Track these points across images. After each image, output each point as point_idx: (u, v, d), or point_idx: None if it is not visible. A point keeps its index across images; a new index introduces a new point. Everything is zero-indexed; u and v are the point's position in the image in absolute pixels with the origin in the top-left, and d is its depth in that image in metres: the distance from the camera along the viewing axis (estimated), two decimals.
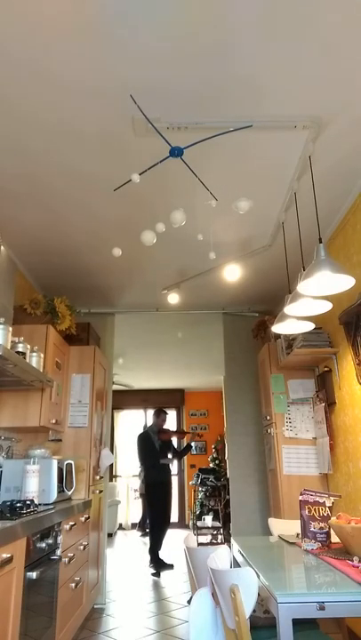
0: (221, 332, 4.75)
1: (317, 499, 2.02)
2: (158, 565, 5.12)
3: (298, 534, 2.24)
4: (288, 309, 2.42)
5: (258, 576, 1.54)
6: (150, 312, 4.71)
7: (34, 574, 2.00)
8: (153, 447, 5.48)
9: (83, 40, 1.76)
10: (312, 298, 2.29)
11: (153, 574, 4.96)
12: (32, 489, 2.72)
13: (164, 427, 5.72)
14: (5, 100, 2.03)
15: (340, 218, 3.01)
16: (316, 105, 2.11)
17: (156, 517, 5.33)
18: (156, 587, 4.48)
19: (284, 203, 2.86)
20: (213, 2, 1.63)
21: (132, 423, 9.26)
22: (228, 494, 4.78)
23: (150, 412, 8.98)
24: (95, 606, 3.82)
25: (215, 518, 6.79)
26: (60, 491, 2.95)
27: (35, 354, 2.93)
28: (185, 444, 5.90)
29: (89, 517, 3.33)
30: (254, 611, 1.78)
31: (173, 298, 4.20)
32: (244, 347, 4.65)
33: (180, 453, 5.80)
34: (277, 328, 2.69)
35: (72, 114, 2.13)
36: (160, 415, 5.73)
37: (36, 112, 2.11)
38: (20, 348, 2.77)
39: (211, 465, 7.69)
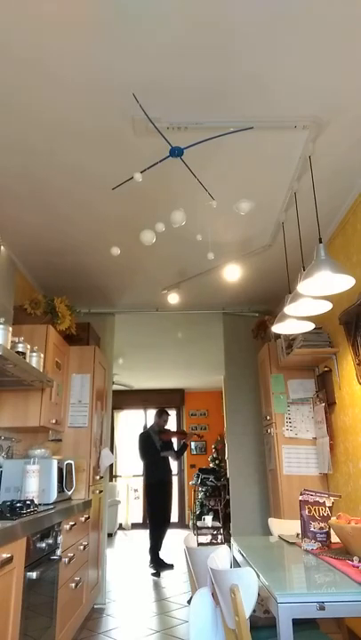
0: (221, 332, 4.74)
1: (317, 499, 2.02)
2: (158, 565, 5.12)
3: (298, 534, 2.24)
4: (288, 309, 2.42)
5: (258, 576, 1.54)
6: (150, 312, 4.71)
7: (34, 574, 2.00)
8: (154, 447, 5.48)
9: (83, 39, 1.75)
10: (312, 298, 2.29)
11: (153, 574, 4.96)
12: (32, 489, 2.72)
13: (165, 427, 5.73)
14: (6, 98, 2.03)
15: (341, 218, 3.01)
16: (316, 105, 2.11)
17: (157, 517, 5.33)
18: (156, 587, 4.48)
19: (284, 203, 2.86)
20: (214, 1, 1.63)
21: (132, 423, 9.26)
22: (228, 494, 4.78)
23: (150, 412, 9.00)
24: (95, 606, 3.82)
25: (215, 518, 6.79)
26: (60, 491, 2.95)
27: (35, 354, 2.93)
28: (182, 444, 5.90)
29: (89, 517, 3.33)
30: (254, 611, 1.78)
31: (173, 298, 4.20)
32: (244, 347, 4.64)
33: (177, 453, 5.80)
34: (277, 328, 2.69)
35: (72, 112, 2.13)
36: (162, 416, 5.73)
37: (36, 110, 2.11)
38: (20, 348, 2.77)
39: (211, 465, 7.68)
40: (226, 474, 6.42)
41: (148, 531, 5.43)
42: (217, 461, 7.62)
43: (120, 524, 8.56)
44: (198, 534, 6.52)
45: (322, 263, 1.97)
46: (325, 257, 1.99)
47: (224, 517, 6.54)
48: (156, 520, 5.33)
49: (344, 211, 2.94)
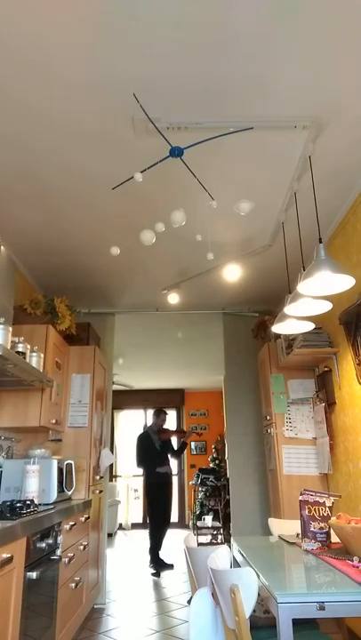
0: (221, 332, 4.74)
1: (317, 499, 2.02)
2: (158, 565, 5.12)
3: (298, 534, 2.24)
4: (288, 309, 2.42)
5: (258, 576, 1.54)
6: (150, 312, 4.71)
7: (34, 574, 2.00)
8: (153, 447, 5.48)
9: (84, 39, 1.76)
10: (312, 298, 2.29)
11: (153, 574, 4.96)
12: (32, 489, 2.72)
13: (164, 426, 5.72)
14: (8, 98, 2.03)
15: (341, 217, 3.01)
16: (316, 105, 2.11)
17: (157, 517, 5.33)
18: (156, 587, 4.48)
19: (284, 203, 2.86)
20: (214, 1, 1.63)
21: (132, 423, 9.26)
22: (228, 494, 4.78)
23: (150, 412, 8.99)
24: (95, 606, 3.82)
25: (215, 518, 6.79)
26: (60, 491, 2.95)
27: (35, 354, 2.93)
28: (181, 443, 5.90)
29: (89, 517, 3.33)
30: (254, 611, 1.78)
31: (173, 298, 4.20)
32: (244, 347, 4.64)
33: (176, 453, 5.80)
34: (277, 328, 2.69)
35: (73, 112, 2.13)
36: (160, 415, 5.72)
37: (37, 110, 2.11)
38: (20, 348, 2.77)
39: (211, 465, 7.69)
40: (226, 474, 6.42)
41: (148, 531, 5.44)
42: (217, 461, 7.62)
43: (120, 524, 8.56)
44: (198, 534, 6.52)
45: (322, 263, 1.97)
46: (325, 257, 1.99)
47: (224, 517, 6.54)
48: (156, 520, 5.32)
49: (344, 210, 2.94)
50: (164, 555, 5.31)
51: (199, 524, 6.74)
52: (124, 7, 1.64)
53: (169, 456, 5.61)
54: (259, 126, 2.19)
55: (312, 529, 1.98)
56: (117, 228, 3.15)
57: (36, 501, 2.65)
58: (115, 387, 6.75)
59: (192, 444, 9.15)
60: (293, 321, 2.64)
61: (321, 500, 2.02)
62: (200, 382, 8.75)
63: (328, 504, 2.01)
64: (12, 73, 1.89)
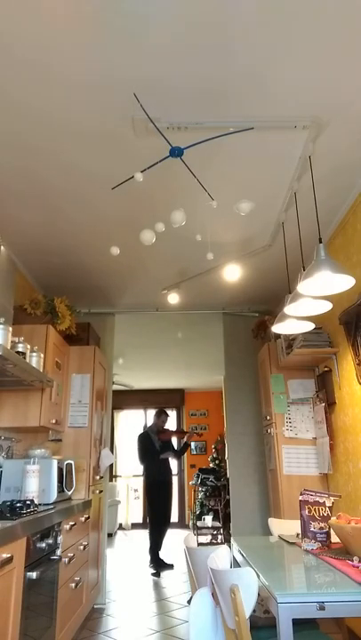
0: (221, 332, 4.74)
1: (317, 499, 2.02)
2: (158, 565, 5.12)
3: (298, 534, 2.24)
4: (288, 309, 2.42)
5: (258, 576, 1.54)
6: (150, 312, 4.71)
7: (34, 574, 2.00)
8: (153, 447, 5.48)
9: (84, 39, 1.76)
10: (312, 298, 2.29)
11: (153, 574, 4.96)
12: (32, 489, 2.72)
13: (164, 427, 5.73)
14: (7, 97, 2.03)
15: (341, 217, 3.01)
16: (316, 105, 2.11)
17: (157, 517, 5.33)
18: (156, 587, 4.48)
19: (284, 203, 2.86)
20: (214, 1, 1.63)
21: (132, 423, 9.26)
22: (228, 494, 4.78)
23: (150, 412, 9.00)
24: (95, 606, 3.82)
25: (215, 518, 6.79)
26: (60, 491, 2.95)
27: (35, 354, 2.93)
28: (183, 443, 5.91)
29: (89, 517, 3.33)
30: (254, 611, 1.78)
31: (173, 298, 4.20)
32: (244, 347, 4.64)
33: (178, 453, 5.81)
34: (277, 328, 2.69)
35: (73, 112, 2.13)
36: (161, 416, 5.72)
37: (37, 110, 2.11)
38: (20, 348, 2.77)
39: (211, 465, 7.69)
40: (226, 474, 6.42)
41: (148, 531, 5.44)
42: (217, 461, 7.62)
43: (120, 524, 8.56)
44: (198, 534, 6.52)
45: (322, 263, 1.97)
46: (325, 257, 1.99)
47: (224, 517, 6.54)
48: (157, 520, 5.33)
49: (344, 210, 2.94)
50: (164, 555, 5.31)
51: (199, 524, 6.74)
52: (125, 7, 1.64)
53: (168, 457, 5.61)
54: (259, 126, 2.19)
55: (312, 529, 1.98)
56: (117, 228, 3.15)
57: (36, 501, 2.65)
58: (115, 387, 6.74)
59: (192, 444, 9.15)
60: (293, 321, 2.64)
61: (321, 500, 2.02)
62: (200, 382, 8.75)
63: (328, 504, 2.01)
64: (12, 73, 1.89)
